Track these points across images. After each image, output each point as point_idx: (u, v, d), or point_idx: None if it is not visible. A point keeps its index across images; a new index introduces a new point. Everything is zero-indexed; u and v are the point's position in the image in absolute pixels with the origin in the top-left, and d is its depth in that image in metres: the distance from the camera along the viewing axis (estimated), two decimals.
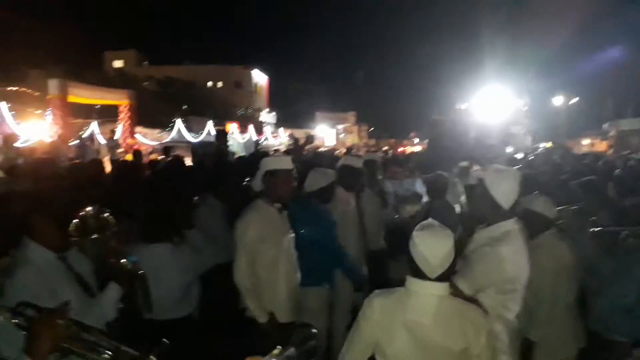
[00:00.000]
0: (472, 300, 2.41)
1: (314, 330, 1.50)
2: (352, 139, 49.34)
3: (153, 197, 3.44)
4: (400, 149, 30.67)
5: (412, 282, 2.07)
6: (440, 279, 2.05)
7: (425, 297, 2.05)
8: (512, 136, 14.97)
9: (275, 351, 1.38)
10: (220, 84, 49.78)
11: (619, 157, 12.00)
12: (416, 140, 41.76)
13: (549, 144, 22.46)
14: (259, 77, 53.36)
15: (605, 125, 41.37)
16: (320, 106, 51.23)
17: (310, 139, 6.30)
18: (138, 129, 21.57)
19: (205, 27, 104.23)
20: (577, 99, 37.81)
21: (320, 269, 3.64)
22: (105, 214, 2.28)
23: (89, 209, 2.26)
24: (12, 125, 15.52)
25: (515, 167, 7.76)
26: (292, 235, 3.41)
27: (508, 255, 2.42)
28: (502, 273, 2.42)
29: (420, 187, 7.75)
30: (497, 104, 16.09)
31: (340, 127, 50.29)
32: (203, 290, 3.55)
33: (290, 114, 48.81)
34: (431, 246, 2.02)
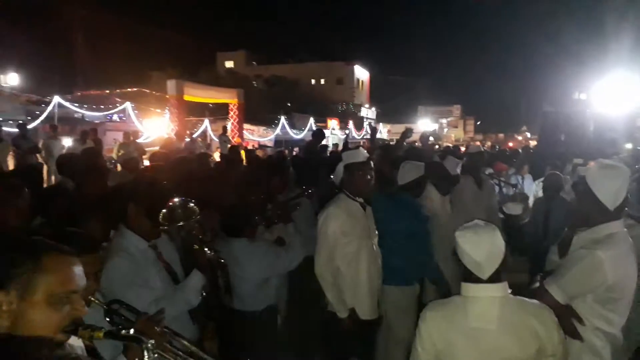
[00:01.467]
0: (565, 309, 2.19)
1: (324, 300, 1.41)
2: (456, 134, 47.58)
3: (237, 192, 3.54)
4: (510, 144, 28.95)
5: (468, 287, 1.95)
6: (494, 279, 1.91)
7: (485, 300, 1.91)
8: (639, 130, 13.32)
9: None
10: (322, 81, 50.79)
11: None
12: (528, 134, 39.02)
13: None
14: (361, 73, 53.51)
15: None
16: (423, 100, 50.10)
17: (408, 132, 6.10)
18: (246, 126, 22.77)
19: (310, 25, 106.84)
20: None
21: (409, 266, 3.51)
22: (191, 204, 2.41)
23: (177, 199, 2.40)
24: (136, 122, 17.28)
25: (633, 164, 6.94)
26: (376, 231, 3.35)
27: (608, 260, 2.15)
28: (601, 279, 2.16)
29: (528, 185, 7.23)
30: (622, 93, 14.37)
31: (444, 121, 48.73)
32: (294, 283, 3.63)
33: (391, 109, 48.37)
34: (476, 245, 1.90)
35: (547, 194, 5.13)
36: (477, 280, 1.92)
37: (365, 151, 3.32)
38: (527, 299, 2.02)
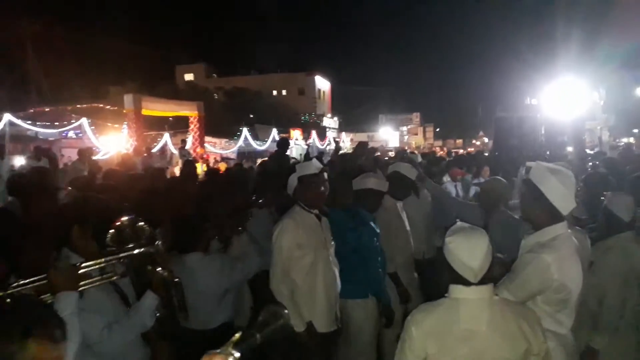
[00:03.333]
0: None
1: (285, 311, 1.41)
2: (417, 141, 48.49)
3: (191, 206, 3.48)
4: (462, 150, 29.68)
5: (458, 290, 1.96)
6: (483, 281, 1.94)
7: (475, 302, 1.94)
8: (586, 132, 13.95)
9: (235, 338, 1.29)
10: (284, 92, 50.90)
11: None
12: (485, 139, 40.13)
13: (630, 139, 20.76)
14: (322, 83, 53.92)
15: None
16: (384, 108, 50.88)
17: (363, 146, 6.12)
18: (207, 138, 22.48)
19: (270, 37, 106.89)
20: None
21: (365, 280, 3.53)
22: (140, 223, 2.35)
23: (124, 218, 2.33)
24: (93, 139, 16.79)
25: (586, 165, 7.25)
26: (332, 243, 3.35)
27: (554, 262, 2.21)
28: (548, 281, 2.22)
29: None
30: (570, 98, 15.03)
31: (405, 128, 49.60)
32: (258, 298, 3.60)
33: (353, 118, 48.90)
34: (468, 249, 1.92)
35: (483, 205, 4.31)
36: (466, 283, 1.94)
37: (317, 163, 3.33)
38: (510, 300, 2.08)
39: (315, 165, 3.27)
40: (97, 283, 2.12)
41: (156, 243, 2.31)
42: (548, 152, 8.89)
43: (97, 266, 2.12)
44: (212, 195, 3.72)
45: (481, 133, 43.68)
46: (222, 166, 20.37)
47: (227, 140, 27.00)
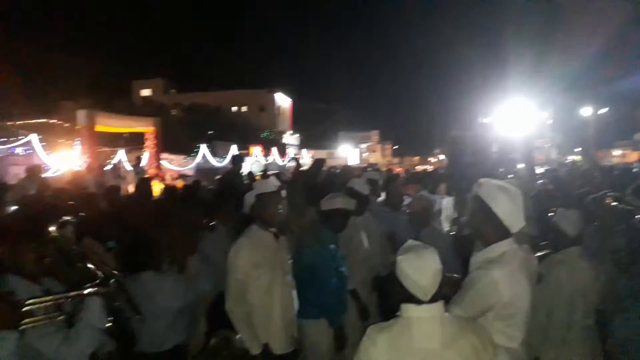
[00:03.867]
0: None
1: (236, 337, 1.38)
2: (375, 158, 49.28)
3: (145, 225, 3.39)
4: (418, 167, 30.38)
5: (410, 309, 1.98)
6: (434, 299, 1.96)
7: (428, 321, 1.96)
8: (536, 150, 14.58)
9: None
10: (245, 108, 50.73)
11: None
12: (441, 156, 41.27)
13: (578, 157, 21.87)
14: (282, 100, 54.13)
15: (637, 135, 40.13)
16: (343, 126, 51.54)
17: (319, 162, 6.14)
18: (164, 155, 22.02)
19: (231, 53, 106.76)
20: (606, 109, 36.89)
21: (318, 301, 3.50)
22: (90, 265, 2.26)
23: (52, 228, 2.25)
24: (42, 156, 16.11)
25: (537, 182, 7.55)
26: (290, 262, 3.32)
27: (502, 278, 2.26)
28: (498, 297, 2.27)
29: (446, 204, 7.51)
30: (520, 118, 15.73)
31: (364, 145, 50.34)
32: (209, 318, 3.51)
33: (314, 135, 49.18)
34: (419, 268, 1.94)
35: (412, 224, 4.56)
36: (418, 302, 1.95)
37: (274, 180, 3.30)
38: (461, 317, 2.10)
39: (272, 183, 3.23)
40: (41, 322, 2.00)
41: (110, 282, 2.22)
42: (502, 169, 9.18)
43: (42, 304, 2.00)
44: (168, 214, 3.63)
45: (437, 150, 44.92)
46: (179, 183, 19.95)
47: (184, 157, 26.55)
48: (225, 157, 27.81)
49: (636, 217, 3.08)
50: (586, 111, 35.74)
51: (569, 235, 3.14)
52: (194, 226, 3.98)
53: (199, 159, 25.72)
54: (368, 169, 10.77)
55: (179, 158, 26.16)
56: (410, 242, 2.07)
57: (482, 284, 2.29)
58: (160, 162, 20.45)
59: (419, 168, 29.83)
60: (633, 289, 2.86)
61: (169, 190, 6.96)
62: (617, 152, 38.04)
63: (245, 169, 12.22)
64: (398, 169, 18.63)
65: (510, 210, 2.32)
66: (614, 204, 3.73)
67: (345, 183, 5.15)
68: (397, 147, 60.25)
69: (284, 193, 3.30)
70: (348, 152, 46.10)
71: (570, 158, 21.86)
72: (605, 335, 3.21)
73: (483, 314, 2.30)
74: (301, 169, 8.44)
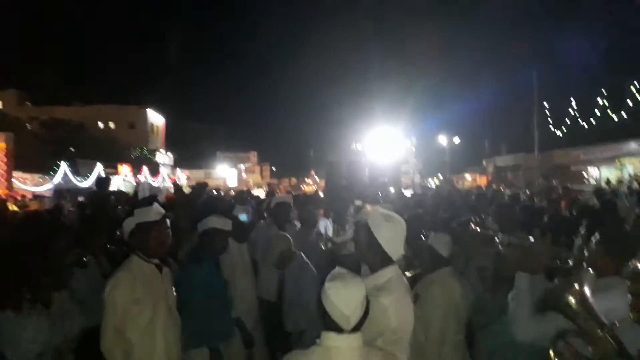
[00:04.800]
0: None
1: None
2: (254, 179, 49.27)
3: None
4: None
5: (330, 338, 1.96)
6: (356, 329, 1.98)
7: (347, 351, 1.95)
8: (402, 175, 15.88)
9: None
10: (112, 125, 47.39)
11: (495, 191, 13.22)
12: (317, 178, 42.68)
13: (437, 181, 24.24)
14: (155, 118, 51.65)
15: (484, 162, 45.96)
16: (221, 146, 50.78)
17: (201, 186, 6.00)
18: (17, 174, 19.67)
19: (98, 67, 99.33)
20: (458, 138, 41.70)
21: (208, 330, 3.37)
22: None
23: None
24: None
25: (405, 204, 8.21)
26: (174, 294, 3.11)
27: (391, 305, 2.36)
28: (387, 323, 2.35)
29: (325, 226, 7.78)
30: (388, 144, 17.05)
31: (242, 166, 50.05)
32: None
33: (190, 155, 47.71)
34: (346, 298, 1.94)
35: None
36: (339, 330, 1.94)
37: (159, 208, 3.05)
38: (375, 348, 2.13)
39: (156, 210, 2.97)
40: None
41: None
42: (380, 194, 9.79)
43: None
44: (28, 245, 3.25)
45: (313, 172, 46.37)
46: (35, 205, 17.92)
47: (41, 175, 23.94)
48: (89, 176, 25.67)
49: (496, 240, 3.46)
50: (442, 139, 40.00)
51: (442, 256, 3.43)
52: (59, 257, 3.65)
53: (58, 178, 23.31)
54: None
55: (34, 177, 23.53)
56: (338, 269, 2.07)
57: (372, 312, 2.31)
58: (13, 181, 18.20)
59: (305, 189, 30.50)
60: (497, 305, 3.19)
61: (26, 215, 6.25)
62: (469, 177, 42.99)
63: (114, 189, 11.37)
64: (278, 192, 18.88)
65: (391, 239, 2.45)
66: (476, 228, 4.20)
67: (227, 208, 5.13)
68: (275, 169, 60.98)
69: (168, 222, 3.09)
70: (226, 173, 45.39)
71: (431, 181, 24.23)
72: (472, 346, 3.52)
73: (374, 341, 2.34)
74: (181, 191, 8.13)
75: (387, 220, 2.48)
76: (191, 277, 3.45)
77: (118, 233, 4.01)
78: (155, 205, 3.01)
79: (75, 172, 24.93)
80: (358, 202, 8.03)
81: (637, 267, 1.97)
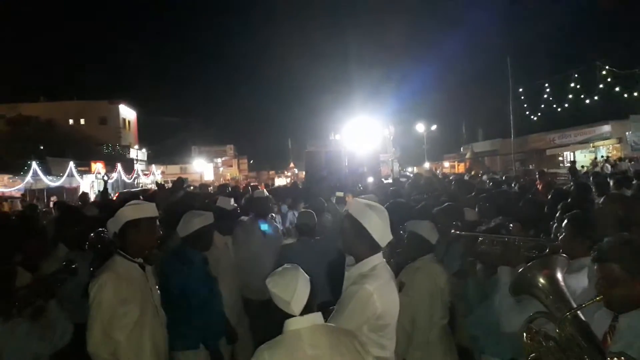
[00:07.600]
0: None
1: None
2: (231, 173, 48.87)
3: None
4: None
5: (292, 322, 2.05)
6: (309, 311, 2.06)
7: (314, 329, 2.04)
8: (381, 164, 15.89)
9: None
10: (83, 121, 46.21)
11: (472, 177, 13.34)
12: (296, 170, 42.56)
13: (416, 169, 24.42)
14: (127, 113, 50.54)
15: (462, 149, 46.56)
16: (196, 140, 50.18)
17: (180, 181, 5.87)
18: None
19: (66, 61, 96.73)
20: (435, 126, 42.09)
21: (194, 328, 3.32)
22: None
23: None
24: None
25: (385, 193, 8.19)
26: (158, 292, 3.08)
27: (376, 291, 2.40)
28: (372, 310, 2.40)
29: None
30: (366, 134, 17.02)
31: (219, 160, 49.57)
32: None
33: (164, 150, 47.02)
34: (283, 286, 2.04)
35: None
36: (292, 316, 2.03)
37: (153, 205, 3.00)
38: (338, 326, 2.22)
39: (153, 207, 2.96)
40: None
41: None
42: (360, 186, 9.75)
43: None
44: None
45: (292, 164, 46.20)
46: (6, 207, 17.38)
47: (10, 176, 23.23)
48: (62, 175, 25.02)
49: (478, 227, 3.46)
50: (420, 127, 40.31)
51: (429, 243, 3.46)
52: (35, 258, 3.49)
53: (29, 178, 22.65)
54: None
55: (4, 177, 22.83)
56: (285, 265, 2.15)
57: (358, 298, 2.40)
58: None
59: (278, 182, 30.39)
60: (478, 290, 3.22)
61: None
62: (447, 164, 43.51)
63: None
64: (254, 184, 18.73)
65: (379, 226, 2.49)
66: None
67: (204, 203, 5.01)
68: (252, 161, 60.55)
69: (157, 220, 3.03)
70: (203, 167, 44.87)
71: (409, 170, 24.38)
72: (454, 331, 3.57)
73: (360, 327, 2.41)
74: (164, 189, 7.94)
75: (371, 209, 2.52)
76: (180, 275, 3.39)
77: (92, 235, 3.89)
78: (151, 204, 3.02)
79: (46, 171, 24.25)
80: (339, 193, 8.00)
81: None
